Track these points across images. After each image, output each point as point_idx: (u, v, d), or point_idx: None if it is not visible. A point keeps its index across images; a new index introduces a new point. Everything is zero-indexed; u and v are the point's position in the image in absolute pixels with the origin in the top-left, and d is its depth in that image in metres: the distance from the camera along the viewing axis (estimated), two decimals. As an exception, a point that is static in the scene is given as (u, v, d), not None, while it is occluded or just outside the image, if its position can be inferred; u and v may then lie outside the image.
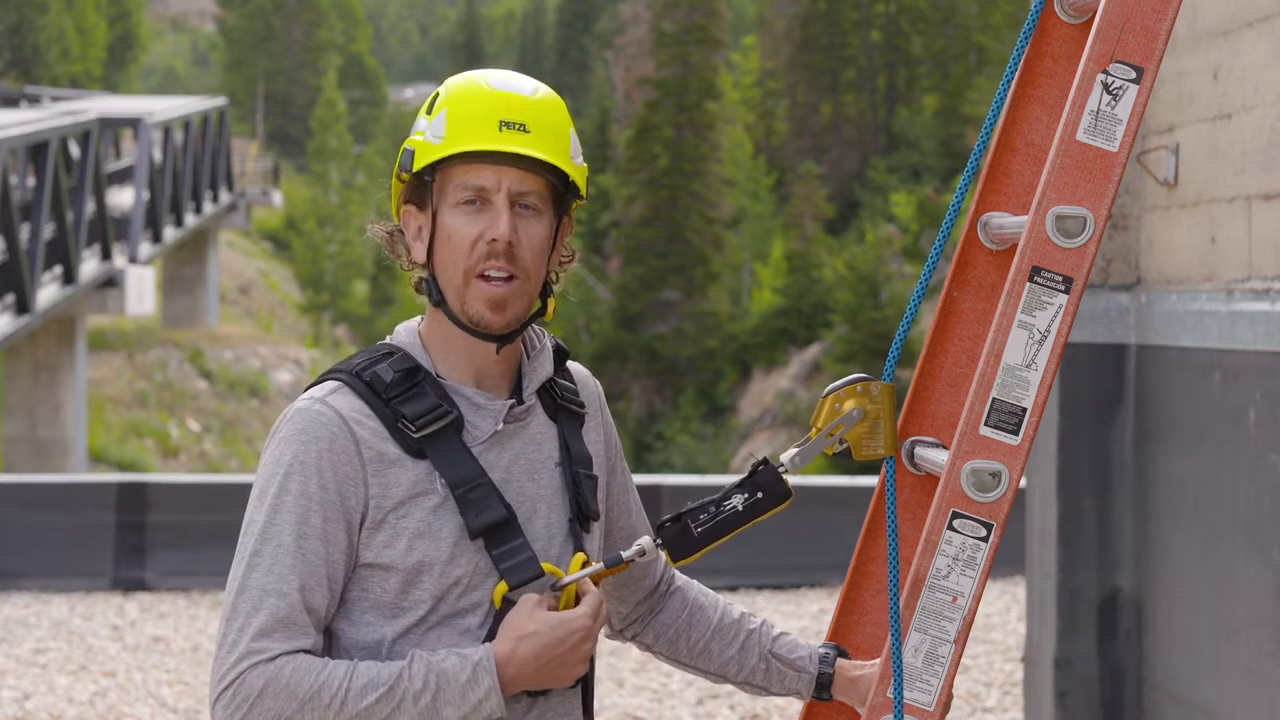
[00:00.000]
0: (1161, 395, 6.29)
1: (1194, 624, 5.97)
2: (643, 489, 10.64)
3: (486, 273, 2.48)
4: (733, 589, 11.41)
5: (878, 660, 2.72)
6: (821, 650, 2.79)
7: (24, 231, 27.77)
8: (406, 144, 2.54)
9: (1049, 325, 2.48)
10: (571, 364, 2.69)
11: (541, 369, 2.59)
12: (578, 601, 2.51)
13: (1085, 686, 6.53)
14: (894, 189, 49.12)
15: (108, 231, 32.36)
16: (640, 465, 39.25)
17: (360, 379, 2.50)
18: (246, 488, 8.94)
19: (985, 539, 2.49)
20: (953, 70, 53.27)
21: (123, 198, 39.34)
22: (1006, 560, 10.06)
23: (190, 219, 41.76)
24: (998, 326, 2.49)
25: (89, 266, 31.81)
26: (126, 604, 11.14)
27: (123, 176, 41.81)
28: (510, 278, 2.48)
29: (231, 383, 41.94)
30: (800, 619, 10.67)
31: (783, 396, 42.21)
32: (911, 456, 2.76)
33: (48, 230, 28.81)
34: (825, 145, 55.54)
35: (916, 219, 45.22)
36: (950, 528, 2.49)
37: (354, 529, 2.45)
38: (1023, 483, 5.23)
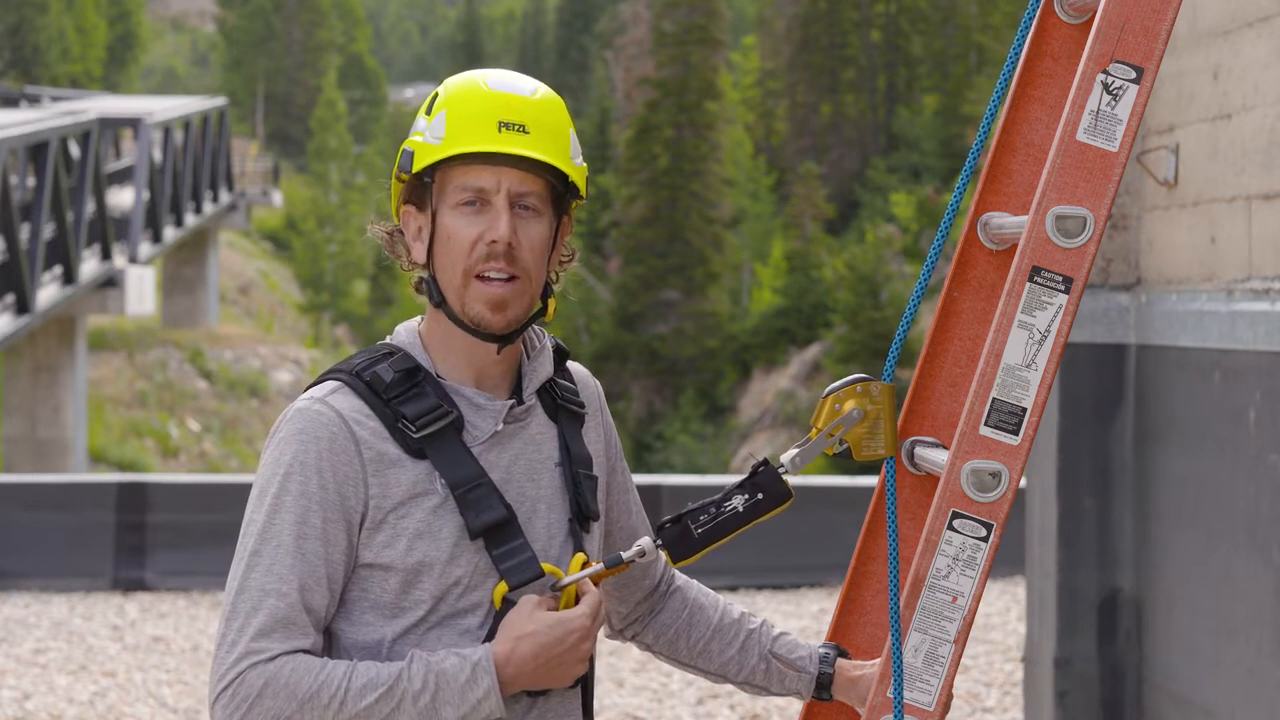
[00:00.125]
0: (1161, 395, 6.29)
1: (1194, 624, 5.97)
2: (643, 489, 10.64)
3: (486, 273, 2.48)
4: (733, 589, 11.41)
5: (878, 660, 2.72)
6: (821, 650, 2.79)
7: (24, 231, 27.77)
8: (406, 145, 2.53)
9: (1049, 325, 2.48)
10: (571, 364, 2.69)
11: (541, 369, 2.59)
12: (577, 602, 2.51)
13: (1085, 686, 6.53)
14: (894, 189, 49.12)
15: (108, 231, 32.36)
16: (640, 465, 39.25)
17: (360, 379, 2.50)
18: (246, 488, 8.94)
19: (985, 539, 2.49)
20: (953, 70, 53.27)
21: (123, 198, 39.34)
22: (1006, 560, 10.07)
23: (190, 219, 41.76)
24: (998, 326, 2.49)
25: (89, 266, 31.81)
26: (126, 604, 11.14)
27: (123, 176, 41.81)
28: (510, 278, 2.48)
29: (231, 383, 41.94)
30: (800, 619, 10.67)
31: (783, 396, 42.21)
32: (911, 456, 2.76)
33: (48, 230, 28.81)
34: (825, 145, 55.54)
35: (916, 219, 45.22)
36: (950, 528, 2.49)
37: (354, 529, 2.45)
38: (1023, 483, 5.23)
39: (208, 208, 44.29)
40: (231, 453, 39.45)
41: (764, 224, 51.57)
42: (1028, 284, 2.48)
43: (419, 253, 2.54)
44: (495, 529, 2.47)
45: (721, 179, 48.97)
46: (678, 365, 45.93)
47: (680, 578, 2.85)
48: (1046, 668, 6.65)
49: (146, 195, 36.07)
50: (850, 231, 49.41)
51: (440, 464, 2.46)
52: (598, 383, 2.73)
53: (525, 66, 72.13)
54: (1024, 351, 2.49)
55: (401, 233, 2.57)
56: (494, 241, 2.47)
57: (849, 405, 2.65)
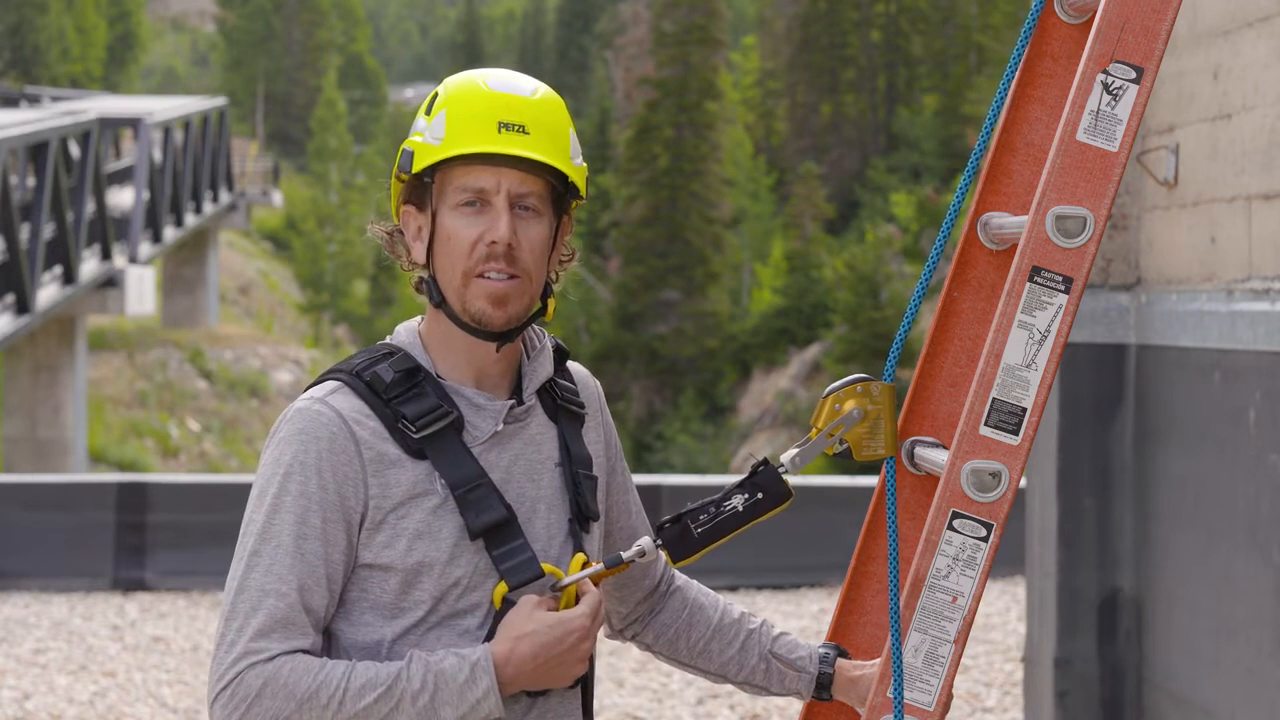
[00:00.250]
0: (1161, 395, 6.29)
1: (1194, 624, 5.97)
2: (643, 489, 10.64)
3: (486, 273, 2.48)
4: (733, 589, 11.41)
5: (878, 660, 2.72)
6: (821, 650, 2.79)
7: (24, 231, 27.77)
8: (405, 145, 2.53)
9: (1049, 325, 2.48)
10: (571, 364, 2.69)
11: (541, 369, 2.58)
12: (577, 602, 2.51)
13: (1085, 686, 6.53)
14: (894, 189, 49.12)
15: (108, 231, 32.36)
16: (640, 465, 39.25)
17: (360, 379, 2.50)
18: (246, 488, 8.94)
19: (985, 539, 2.49)
20: (953, 70, 53.27)
21: (123, 198, 39.33)
22: (1006, 560, 10.06)
23: (190, 219, 41.76)
24: (998, 326, 2.49)
25: (89, 266, 31.80)
26: (126, 604, 11.14)
27: (123, 176, 41.81)
28: (511, 277, 2.48)
29: (231, 383, 41.94)
30: (800, 619, 10.67)
31: (783, 396, 42.21)
32: (911, 456, 2.76)
33: (48, 230, 28.81)
34: (825, 145, 55.55)
35: (916, 219, 45.22)
36: (950, 528, 2.49)
37: (353, 529, 2.45)
38: (1023, 483, 5.23)
39: (208, 208, 44.29)
40: (231, 453, 39.45)
41: (764, 224, 51.58)
42: (1028, 284, 2.48)
43: (419, 253, 2.54)
44: (495, 529, 2.47)
45: (721, 179, 48.97)
46: (678, 365, 45.93)
47: (680, 578, 2.85)
48: (1046, 668, 6.64)
49: (146, 195, 36.07)
50: (850, 231, 49.41)
51: (440, 464, 2.46)
52: (598, 383, 2.73)
53: (525, 66, 72.11)
54: (1024, 351, 2.49)
55: (401, 233, 2.57)
56: (494, 242, 2.47)
57: (849, 405, 2.65)
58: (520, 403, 2.55)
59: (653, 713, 8.54)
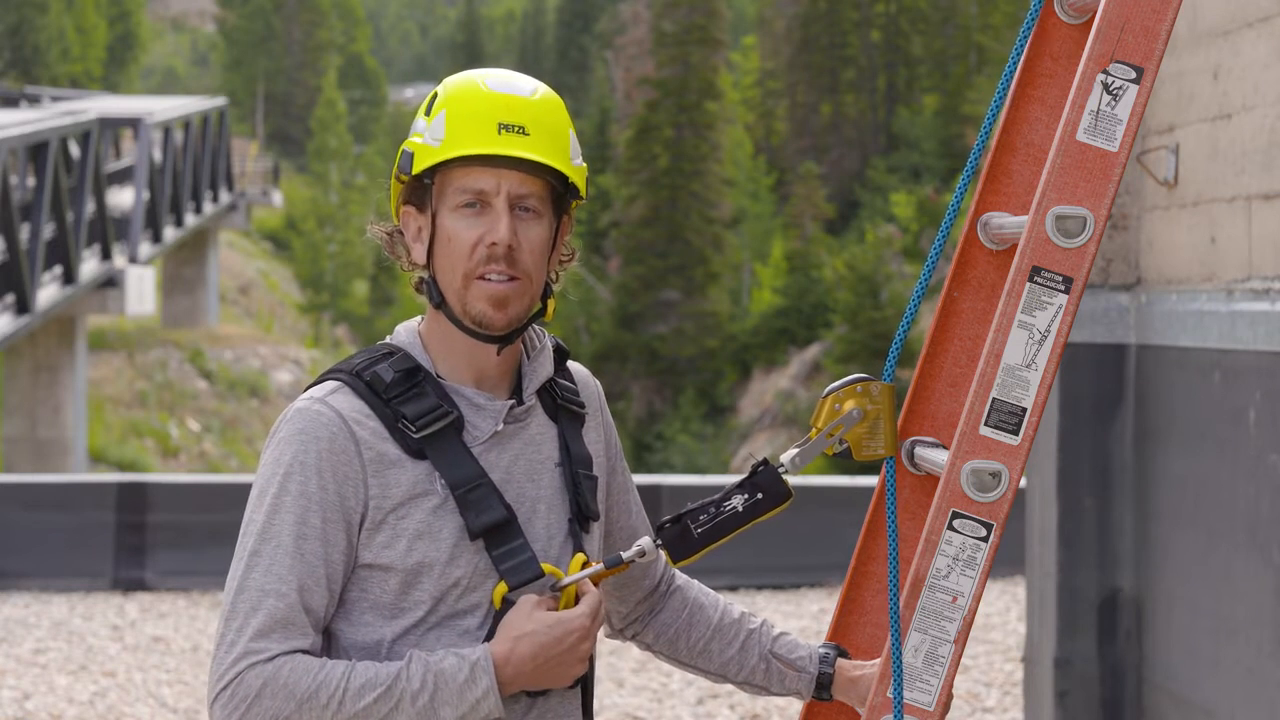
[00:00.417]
0: (1161, 395, 6.29)
1: (1194, 624, 5.97)
2: (643, 489, 10.64)
3: (487, 275, 2.48)
4: (733, 589, 11.40)
5: (878, 660, 2.72)
6: (821, 650, 2.79)
7: (24, 231, 27.76)
8: (405, 146, 2.53)
9: (1049, 325, 2.48)
10: (572, 364, 2.69)
11: (542, 369, 2.58)
12: (577, 602, 2.51)
13: (1085, 686, 6.53)
14: (894, 189, 49.12)
15: (108, 231, 32.36)
16: (640, 465, 39.25)
17: (360, 379, 2.49)
18: (246, 488, 8.94)
19: (985, 539, 2.49)
20: (953, 70, 53.27)
21: (123, 198, 39.33)
22: (1006, 560, 10.06)
23: (190, 219, 41.76)
24: (998, 326, 2.49)
25: (89, 266, 31.80)
26: (126, 604, 11.14)
27: (123, 176, 41.80)
28: (511, 279, 2.48)
29: (231, 383, 41.94)
30: (800, 619, 10.67)
31: (783, 396, 42.21)
32: (911, 456, 2.76)
33: (48, 230, 28.80)
34: (825, 145, 55.54)
35: (916, 219, 45.22)
36: (950, 528, 2.49)
37: (353, 529, 2.45)
38: (1023, 483, 5.23)
39: (208, 208, 44.28)
40: (231, 453, 39.45)
41: (764, 224, 51.57)
42: (1028, 284, 2.48)
43: (419, 254, 2.54)
44: (495, 529, 2.47)
45: (721, 179, 48.97)
46: (678, 365, 45.93)
47: (680, 578, 2.85)
48: (1046, 668, 6.64)
49: (146, 195, 36.07)
50: (850, 231, 49.41)
51: (440, 464, 2.46)
52: (598, 383, 2.73)
53: (525, 66, 72.11)
54: (1024, 351, 2.49)
55: (401, 233, 2.57)
56: (494, 244, 2.46)
57: (849, 405, 2.65)
58: (520, 402, 2.55)
59: (653, 713, 8.54)
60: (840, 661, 2.77)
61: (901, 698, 2.52)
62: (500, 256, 2.47)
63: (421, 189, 2.52)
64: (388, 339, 2.59)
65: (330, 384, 2.50)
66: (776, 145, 56.42)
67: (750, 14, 67.65)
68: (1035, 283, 2.48)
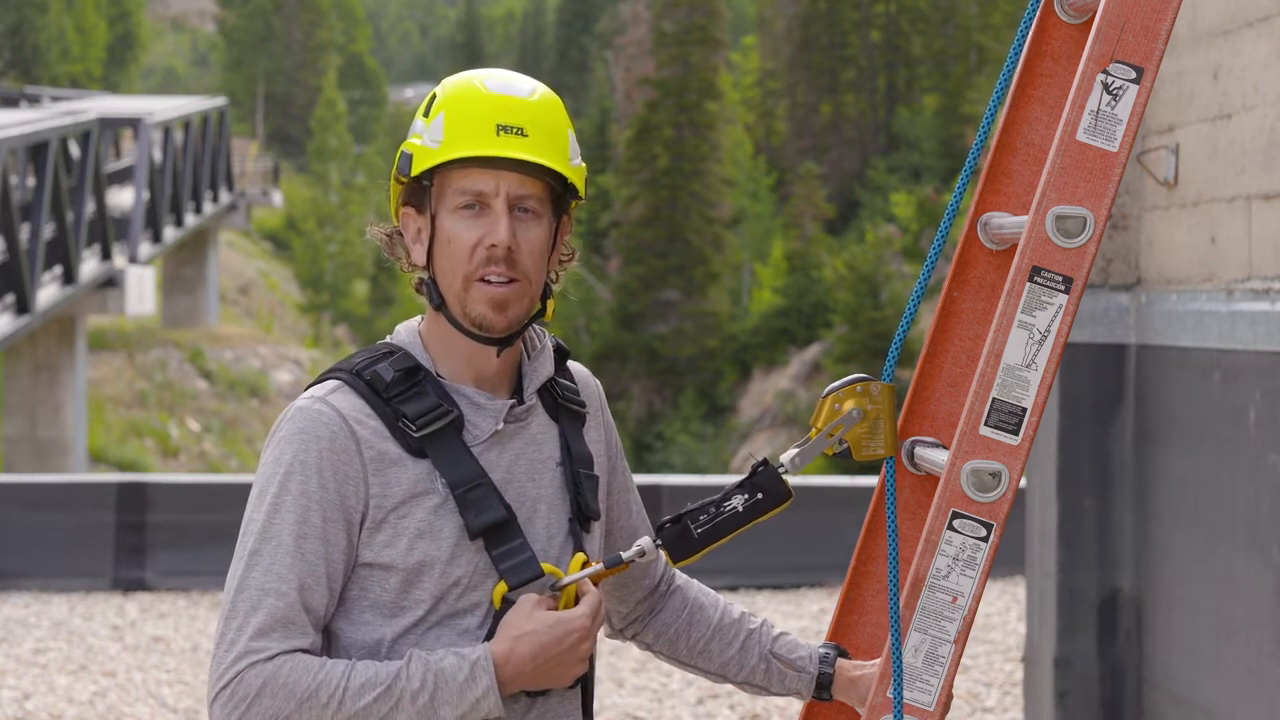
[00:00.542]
0: (1161, 395, 6.29)
1: (1194, 624, 5.97)
2: (643, 489, 10.64)
3: (487, 277, 2.48)
4: (733, 589, 11.40)
5: (878, 660, 2.72)
6: (821, 650, 2.79)
7: (24, 231, 27.76)
8: (404, 147, 2.53)
9: (1049, 325, 2.48)
10: (572, 364, 2.69)
11: (542, 369, 2.58)
12: (577, 602, 2.51)
13: (1085, 686, 6.53)
14: (894, 189, 49.12)
15: (108, 231, 32.36)
16: (640, 465, 39.24)
17: (360, 378, 2.49)
18: (246, 488, 8.93)
19: (985, 539, 2.49)
20: (953, 70, 53.26)
21: (123, 198, 39.33)
22: (1006, 560, 10.06)
23: (190, 219, 41.76)
24: (998, 326, 2.49)
25: (89, 266, 31.80)
26: (126, 604, 11.14)
27: (123, 176, 41.80)
28: (511, 280, 2.48)
29: (231, 383, 41.95)
30: (800, 619, 10.67)
31: (783, 396, 42.21)
32: (911, 456, 2.76)
33: (48, 230, 28.80)
34: (825, 145, 55.54)
35: (916, 219, 45.22)
36: (950, 528, 2.49)
37: (354, 528, 2.45)
38: (1023, 483, 5.23)
39: (208, 208, 44.28)
40: (231, 453, 39.45)
41: (764, 224, 51.57)
42: (1028, 284, 2.48)
43: (419, 255, 2.54)
44: (494, 529, 2.47)
45: (721, 179, 48.96)
46: (678, 365, 45.92)
47: (680, 578, 2.85)
48: (1046, 668, 6.64)
49: (146, 195, 36.07)
50: (850, 231, 49.41)
51: (440, 463, 2.46)
52: (598, 382, 2.73)
53: (525, 66, 72.11)
54: (1024, 351, 2.49)
55: (401, 234, 2.57)
56: (494, 246, 2.46)
57: (849, 405, 2.65)
58: (521, 402, 2.55)
59: (653, 713, 8.54)
60: (840, 661, 2.77)
61: (901, 698, 2.52)
62: (500, 258, 2.47)
63: (421, 190, 2.52)
64: (388, 338, 2.59)
65: (330, 383, 2.50)
66: (776, 145, 56.42)
67: (750, 14, 67.65)
68: (1035, 283, 2.48)
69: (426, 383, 2.50)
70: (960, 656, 2.53)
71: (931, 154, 51.32)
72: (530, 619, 2.44)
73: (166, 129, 39.42)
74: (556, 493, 2.56)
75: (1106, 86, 2.48)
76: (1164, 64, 5.66)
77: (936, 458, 2.65)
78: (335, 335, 56.31)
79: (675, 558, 2.60)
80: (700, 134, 48.45)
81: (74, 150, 33.60)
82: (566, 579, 2.51)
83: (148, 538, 11.53)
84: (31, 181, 30.40)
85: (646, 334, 46.42)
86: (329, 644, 2.48)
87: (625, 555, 2.57)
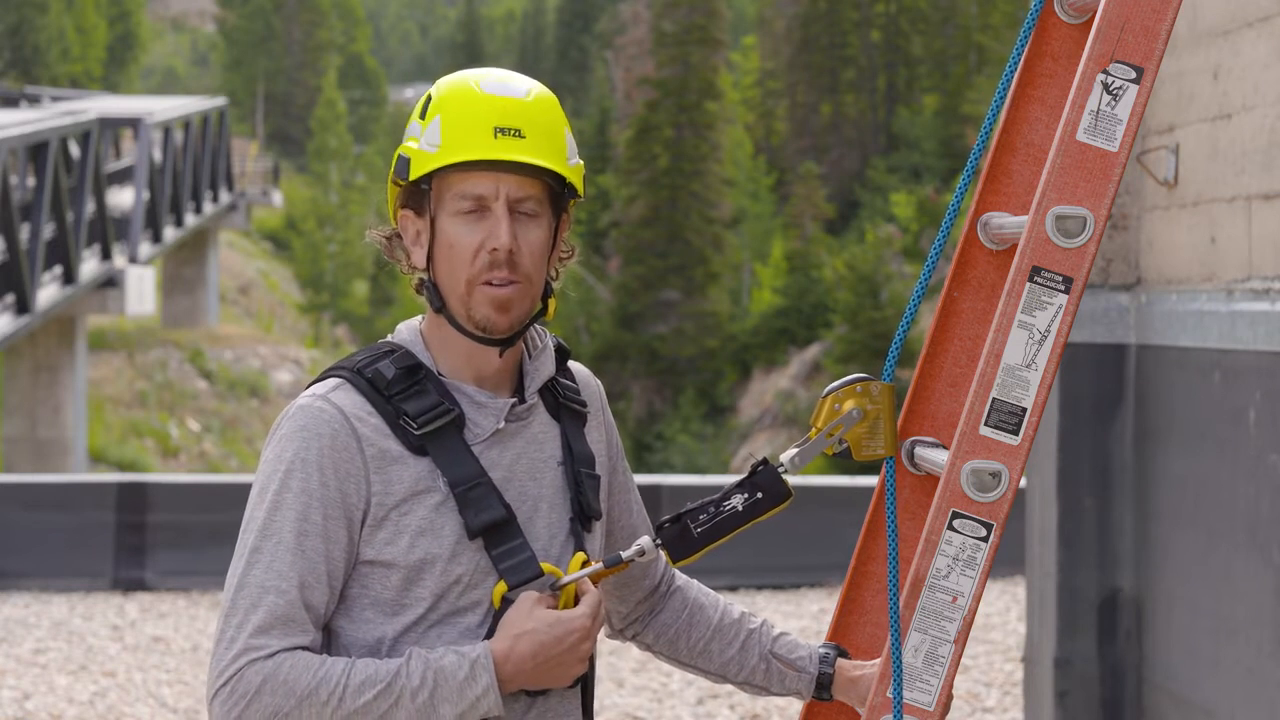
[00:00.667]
0: (1161, 395, 6.29)
1: (1194, 624, 5.97)
2: (643, 489, 10.63)
3: (490, 281, 2.48)
4: (733, 589, 11.40)
5: (878, 660, 2.72)
6: (821, 650, 2.79)
7: (24, 231, 27.76)
8: (401, 151, 2.53)
9: (1049, 325, 2.48)
10: (573, 364, 2.69)
11: (543, 368, 2.59)
12: (577, 601, 2.51)
13: (1085, 686, 6.53)
14: (894, 189, 49.12)
15: (108, 231, 32.36)
16: (640, 465, 39.24)
17: (362, 376, 2.50)
18: (246, 487, 8.94)
19: (985, 539, 2.49)
20: (953, 70, 53.26)
21: (123, 198, 39.33)
22: (1006, 560, 10.06)
23: (190, 219, 41.76)
24: (998, 326, 2.49)
25: (89, 266, 31.80)
26: (126, 604, 11.14)
27: (123, 176, 41.80)
28: (512, 282, 2.48)
29: (231, 383, 41.94)
30: (800, 619, 10.67)
31: (783, 396, 42.21)
32: (911, 456, 2.76)
33: (48, 230, 28.80)
34: (825, 145, 55.54)
35: (916, 219, 45.22)
36: (950, 528, 2.49)
37: (355, 526, 2.45)
38: (1023, 483, 5.23)
39: (208, 208, 44.28)
40: (231, 453, 39.45)
41: (764, 224, 51.57)
42: (1028, 284, 2.48)
43: (419, 257, 2.54)
44: (494, 528, 2.47)
45: (721, 179, 48.96)
46: (678, 365, 45.93)
47: (680, 578, 2.85)
48: (1046, 668, 6.64)
49: (146, 195, 36.07)
50: (850, 231, 49.41)
51: (441, 462, 2.46)
52: (599, 382, 2.73)
53: (525, 66, 72.11)
54: (1024, 351, 2.49)
55: (400, 236, 2.57)
56: (495, 250, 2.46)
57: (849, 405, 2.65)
58: (522, 400, 2.55)
59: (653, 713, 8.54)
60: (840, 661, 2.77)
61: (901, 698, 2.52)
62: (502, 262, 2.47)
63: (419, 194, 2.52)
64: (389, 337, 2.59)
65: (332, 381, 2.51)
66: (776, 145, 56.42)
67: (750, 14, 67.64)
68: (1035, 283, 2.48)
69: (428, 381, 2.50)
70: (960, 656, 2.53)
71: (931, 154, 51.32)
72: (530, 617, 2.44)
73: (166, 129, 39.42)
74: (558, 492, 2.56)
75: (1106, 86, 2.48)
76: (1164, 64, 5.66)
77: (936, 458, 2.65)
78: (335, 335, 56.32)
79: (675, 557, 2.60)
80: (700, 134, 48.45)
81: (74, 150, 33.60)
82: (566, 578, 2.51)
83: (148, 538, 11.53)
84: (31, 181, 30.40)
85: (646, 334, 46.42)
86: (330, 642, 2.48)
87: (625, 555, 2.57)
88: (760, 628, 2.80)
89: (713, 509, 2.60)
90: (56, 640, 10.11)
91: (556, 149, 2.50)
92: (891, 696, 2.53)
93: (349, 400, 2.47)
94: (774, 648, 2.78)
